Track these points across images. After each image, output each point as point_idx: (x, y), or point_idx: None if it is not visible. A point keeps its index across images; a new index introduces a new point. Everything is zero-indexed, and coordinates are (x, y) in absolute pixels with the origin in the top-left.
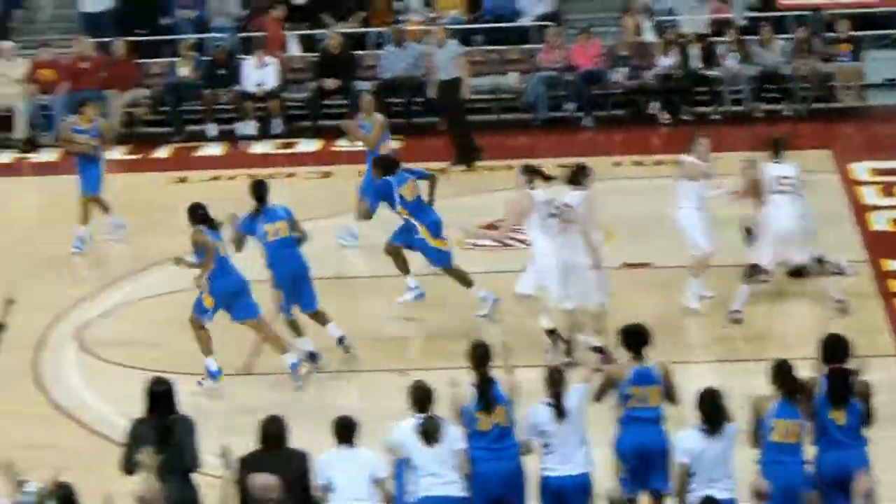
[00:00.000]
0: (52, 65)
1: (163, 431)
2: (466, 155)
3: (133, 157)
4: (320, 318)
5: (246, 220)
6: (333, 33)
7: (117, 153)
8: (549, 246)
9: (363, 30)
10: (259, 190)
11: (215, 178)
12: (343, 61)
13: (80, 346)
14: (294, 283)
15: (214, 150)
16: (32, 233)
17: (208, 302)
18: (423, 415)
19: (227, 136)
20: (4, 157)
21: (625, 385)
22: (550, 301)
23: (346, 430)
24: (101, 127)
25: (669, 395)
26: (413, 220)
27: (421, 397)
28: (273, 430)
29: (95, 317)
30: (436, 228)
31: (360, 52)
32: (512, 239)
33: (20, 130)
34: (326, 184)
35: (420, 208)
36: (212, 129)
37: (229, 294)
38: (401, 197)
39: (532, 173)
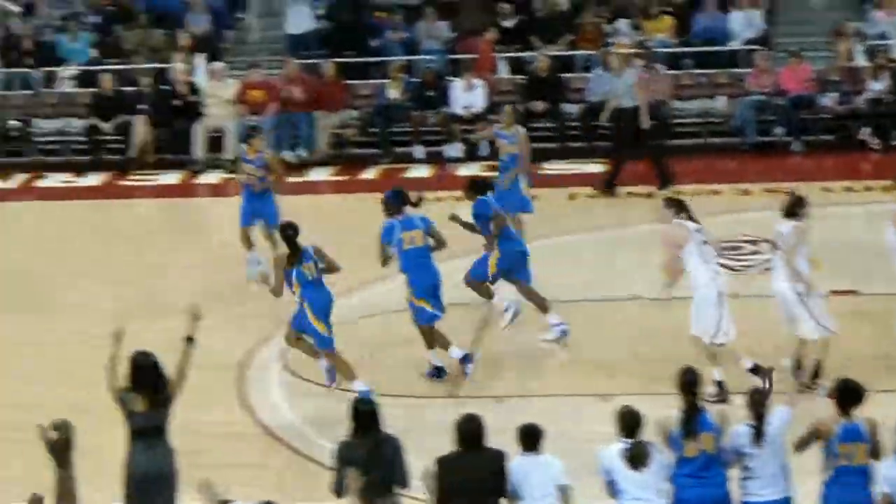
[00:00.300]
0: (262, 86)
1: (371, 451)
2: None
3: (341, 178)
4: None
5: (385, 230)
6: (542, 56)
7: (325, 174)
8: (708, 275)
9: (571, 53)
10: (401, 198)
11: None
12: (550, 84)
13: (284, 366)
14: (434, 291)
15: (422, 171)
16: (240, 252)
17: (322, 328)
18: (630, 440)
19: (434, 158)
20: (213, 177)
21: (833, 442)
22: (706, 333)
23: (531, 438)
24: (268, 159)
25: (875, 452)
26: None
27: (629, 422)
28: (471, 430)
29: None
30: (510, 259)
31: (568, 74)
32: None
33: (230, 151)
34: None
35: (507, 235)
36: (419, 150)
37: (328, 310)
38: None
39: (678, 204)
